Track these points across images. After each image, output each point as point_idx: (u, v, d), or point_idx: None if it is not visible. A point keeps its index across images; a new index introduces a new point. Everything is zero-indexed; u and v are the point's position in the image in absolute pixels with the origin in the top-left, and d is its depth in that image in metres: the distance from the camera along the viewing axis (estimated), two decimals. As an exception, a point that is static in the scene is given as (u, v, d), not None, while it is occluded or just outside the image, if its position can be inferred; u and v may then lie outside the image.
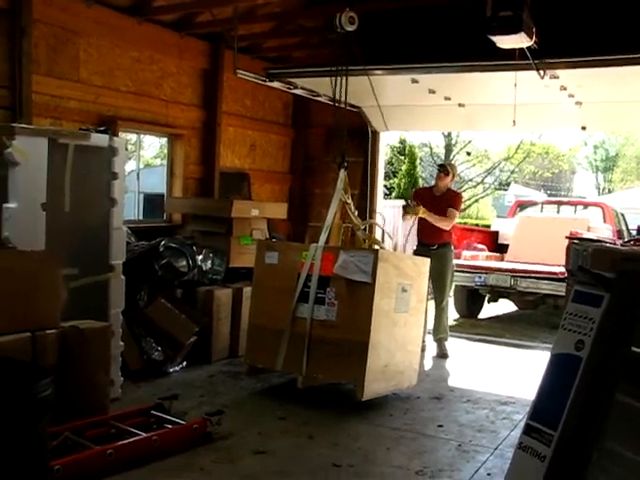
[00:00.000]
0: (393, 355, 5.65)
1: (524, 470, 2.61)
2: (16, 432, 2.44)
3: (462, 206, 8.45)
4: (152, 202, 9.08)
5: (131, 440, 4.26)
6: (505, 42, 5.19)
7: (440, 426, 5.28)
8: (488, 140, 29.14)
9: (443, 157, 26.73)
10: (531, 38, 5.11)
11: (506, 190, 33.64)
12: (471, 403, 5.95)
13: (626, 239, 3.84)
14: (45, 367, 3.69)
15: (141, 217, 8.26)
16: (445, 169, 7.87)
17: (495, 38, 5.11)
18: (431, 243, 7.69)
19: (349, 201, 6.33)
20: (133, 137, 7.90)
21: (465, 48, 6.44)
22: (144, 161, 9.11)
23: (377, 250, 5.57)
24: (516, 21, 4.86)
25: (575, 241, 3.14)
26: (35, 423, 2.52)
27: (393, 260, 5.70)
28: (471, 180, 26.01)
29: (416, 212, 7.47)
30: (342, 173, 6.19)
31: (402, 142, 23.16)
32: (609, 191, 40.41)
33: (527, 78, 6.31)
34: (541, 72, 5.98)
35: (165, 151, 10.34)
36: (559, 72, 6.20)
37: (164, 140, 8.45)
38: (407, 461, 4.53)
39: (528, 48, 5.47)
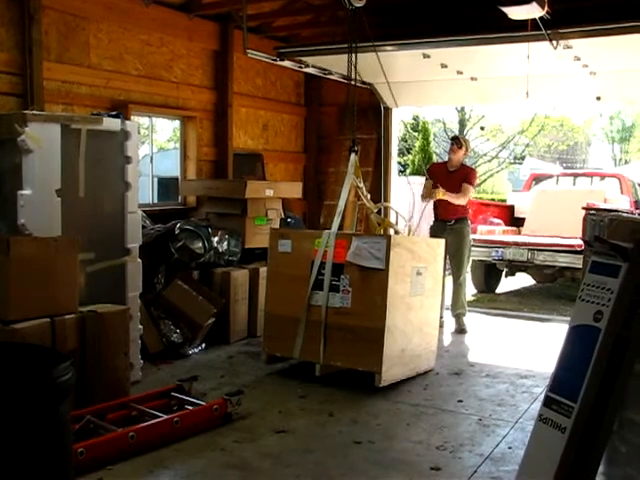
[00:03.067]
0: (410, 339, 5.66)
1: (545, 442, 2.60)
2: (37, 416, 2.46)
3: (477, 181, 8.39)
4: (166, 185, 9.07)
5: (152, 422, 4.30)
6: (516, 13, 5.12)
7: (460, 401, 5.29)
8: (502, 114, 28.78)
9: (457, 132, 26.56)
10: (543, 8, 5.04)
11: (521, 164, 33.34)
12: (490, 377, 5.95)
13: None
14: (64, 352, 3.72)
15: (155, 201, 8.25)
16: (458, 141, 7.83)
17: (506, 9, 5.05)
18: (447, 219, 7.68)
19: (361, 185, 6.31)
20: (146, 121, 7.85)
21: (476, 21, 6.37)
22: (157, 145, 9.05)
23: (389, 236, 5.53)
24: (527, -9, 4.79)
25: (591, 212, 3.10)
26: (56, 407, 2.54)
27: (406, 244, 5.67)
28: (485, 155, 25.76)
29: (436, 195, 7.45)
30: (353, 157, 6.17)
31: (415, 118, 23.02)
32: (626, 162, 39.94)
33: (540, 49, 6.22)
34: (554, 42, 5.89)
35: (178, 134, 10.35)
36: (572, 42, 6.10)
37: (177, 123, 8.44)
38: (427, 436, 4.54)
39: (540, 18, 5.39)
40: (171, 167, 9.49)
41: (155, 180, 8.68)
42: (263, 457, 4.15)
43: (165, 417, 4.36)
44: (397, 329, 5.45)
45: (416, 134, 21.67)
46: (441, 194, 7.44)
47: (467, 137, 17.32)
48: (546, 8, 5.09)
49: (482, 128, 27.16)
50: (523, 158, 31.53)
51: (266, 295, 6.08)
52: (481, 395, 5.46)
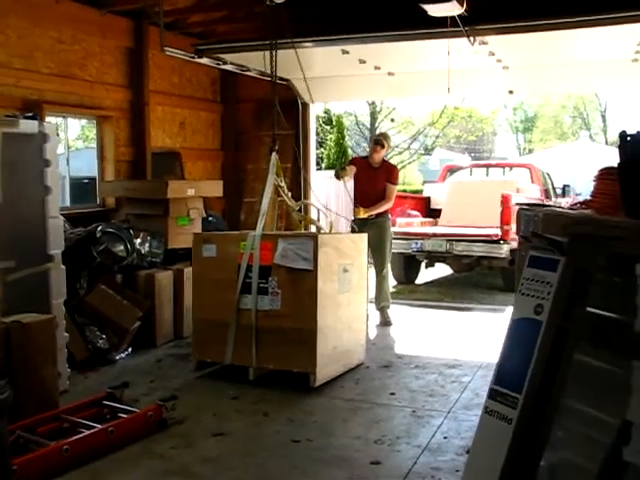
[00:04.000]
0: (340, 336, 5.70)
1: (492, 433, 2.66)
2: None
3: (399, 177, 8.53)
4: (80, 187, 8.83)
5: (86, 433, 4.17)
6: (437, 10, 5.22)
7: (392, 394, 5.37)
8: (412, 106, 29.36)
9: (368, 125, 26.90)
10: (462, 5, 5.15)
11: (431, 155, 34.05)
12: (420, 369, 6.05)
13: (573, 202, 3.92)
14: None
15: (69, 203, 8.00)
16: (381, 142, 7.88)
17: (427, 7, 5.14)
18: (369, 214, 7.75)
19: (282, 184, 6.30)
20: (59, 121, 7.60)
21: (396, 17, 6.45)
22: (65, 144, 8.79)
23: (316, 236, 5.51)
24: (448, -11, 4.88)
25: (524, 207, 3.19)
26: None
27: (332, 242, 5.69)
28: (397, 147, 26.20)
29: (358, 214, 7.58)
30: (274, 157, 6.14)
31: (327, 112, 23.13)
32: (529, 151, 41.42)
33: (457, 45, 6.37)
34: (471, 39, 6.04)
35: (87, 133, 10.02)
36: (488, 38, 6.28)
37: (84, 122, 8.22)
38: (364, 431, 4.59)
39: (459, 15, 5.51)
40: (84, 167, 9.24)
41: (69, 182, 8.43)
42: (203, 462, 4.10)
43: (99, 427, 4.24)
44: (328, 328, 5.48)
45: (329, 128, 21.79)
46: (363, 212, 7.55)
47: (380, 130, 17.51)
48: (465, 6, 5.20)
49: (392, 120, 27.64)
50: (433, 149, 32.21)
51: (193, 301, 5.99)
52: (412, 387, 5.56)
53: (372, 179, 7.61)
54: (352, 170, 7.65)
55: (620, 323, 2.65)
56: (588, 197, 3.17)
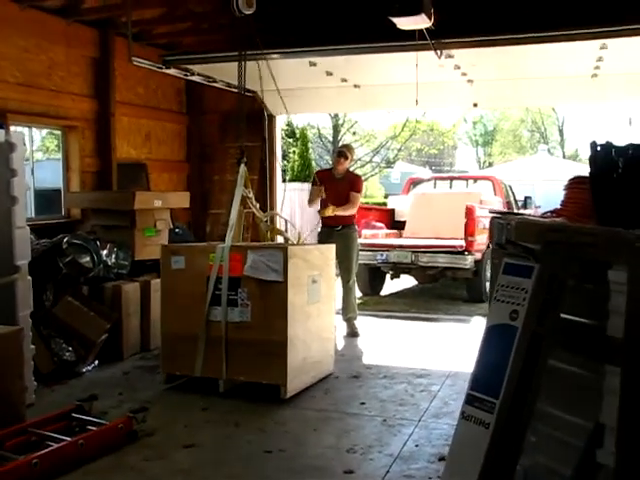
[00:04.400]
0: (310, 347, 5.71)
1: (469, 438, 2.70)
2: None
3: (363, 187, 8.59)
4: (44, 197, 8.72)
5: (56, 446, 4.10)
6: (405, 23, 5.28)
7: (363, 403, 5.39)
8: (374, 120, 29.60)
9: (331, 138, 27.01)
10: (430, 19, 5.23)
11: (392, 168, 34.31)
12: (388, 379, 6.09)
13: (543, 211, 3.99)
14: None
15: (33, 215, 7.90)
16: (344, 154, 7.93)
17: (396, 20, 5.20)
18: (335, 224, 7.80)
19: (250, 195, 6.28)
20: (24, 131, 7.50)
21: (364, 29, 6.51)
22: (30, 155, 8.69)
23: (285, 247, 5.49)
24: (417, 3, 4.95)
25: (496, 215, 3.25)
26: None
27: (301, 254, 5.69)
28: (359, 160, 26.35)
29: (325, 213, 7.60)
30: (242, 168, 6.11)
31: (289, 124, 23.19)
32: (489, 164, 42.05)
33: (424, 58, 6.46)
34: (438, 52, 6.13)
35: (47, 144, 9.93)
36: (454, 51, 6.38)
37: (44, 132, 8.14)
38: (336, 440, 4.60)
39: (426, 29, 5.59)
40: (47, 178, 9.12)
41: (33, 192, 8.31)
42: (175, 474, 4.06)
43: (69, 440, 4.18)
44: (298, 339, 5.48)
45: (291, 140, 21.85)
46: (331, 211, 7.60)
47: (345, 143, 17.64)
48: (432, 19, 5.28)
49: (354, 133, 27.81)
50: (394, 162, 32.45)
51: (162, 313, 5.89)
52: (382, 396, 5.58)
53: (337, 190, 7.67)
54: (320, 191, 7.66)
55: (593, 328, 2.71)
56: (558, 206, 3.24)
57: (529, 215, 3.90)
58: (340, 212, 7.63)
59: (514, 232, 2.97)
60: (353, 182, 7.91)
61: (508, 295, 2.75)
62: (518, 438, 2.68)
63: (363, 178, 25.14)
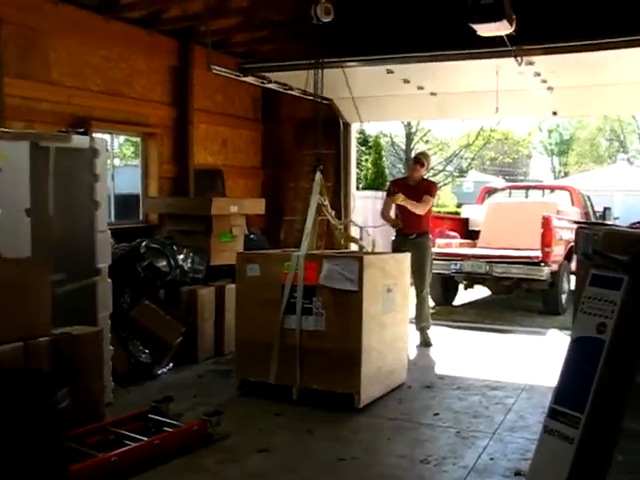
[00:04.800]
0: (384, 357, 5.67)
1: (552, 453, 2.63)
2: (43, 443, 2.38)
3: (437, 193, 8.50)
4: (123, 203, 8.95)
5: (133, 445, 4.19)
6: (486, 30, 5.21)
7: (436, 414, 5.31)
8: (447, 128, 29.35)
9: (404, 146, 26.92)
10: (512, 25, 5.14)
11: (465, 177, 33.95)
12: (462, 390, 5.99)
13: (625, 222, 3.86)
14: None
15: (113, 219, 8.12)
16: (420, 161, 7.84)
17: (476, 26, 5.13)
18: (409, 233, 7.73)
19: (326, 202, 6.29)
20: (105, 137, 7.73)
21: (442, 36, 6.46)
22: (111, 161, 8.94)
23: (361, 257, 5.45)
24: (498, 9, 4.88)
25: (583, 225, 3.16)
26: (58, 434, 2.46)
27: (377, 263, 5.66)
28: (432, 168, 26.18)
29: (395, 200, 7.50)
30: (318, 176, 6.11)
31: (362, 133, 23.21)
32: (565, 174, 41.12)
33: (502, 65, 6.37)
34: (519, 59, 6.03)
35: (124, 151, 10.13)
36: (535, 58, 6.26)
37: (122, 139, 8.36)
38: (410, 450, 4.54)
39: (507, 35, 5.50)
40: (124, 184, 9.36)
41: (113, 198, 8.55)
42: (249, 477, 4.09)
43: (146, 440, 4.26)
44: (373, 349, 5.44)
45: (364, 149, 21.86)
46: (401, 199, 7.49)
47: (425, 151, 17.52)
48: (514, 26, 5.19)
49: (427, 142, 27.67)
50: (467, 171, 32.12)
51: (236, 320, 5.93)
52: (455, 408, 5.50)
53: (411, 196, 7.59)
54: (399, 197, 7.59)
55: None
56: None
57: (616, 225, 3.77)
58: (409, 205, 7.52)
59: (601, 243, 2.88)
60: (428, 188, 7.83)
61: (595, 307, 2.67)
62: (604, 456, 2.59)
63: (436, 187, 24.99)
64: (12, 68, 6.25)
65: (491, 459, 4.41)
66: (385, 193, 8.42)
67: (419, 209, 7.61)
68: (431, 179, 10.63)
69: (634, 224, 3.27)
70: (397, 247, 7.62)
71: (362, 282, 5.26)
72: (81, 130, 5.44)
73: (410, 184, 7.86)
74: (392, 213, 7.86)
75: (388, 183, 10.82)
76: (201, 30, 7.65)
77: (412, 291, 7.93)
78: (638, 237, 2.80)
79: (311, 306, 5.44)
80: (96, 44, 7.13)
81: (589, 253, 2.82)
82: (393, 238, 7.97)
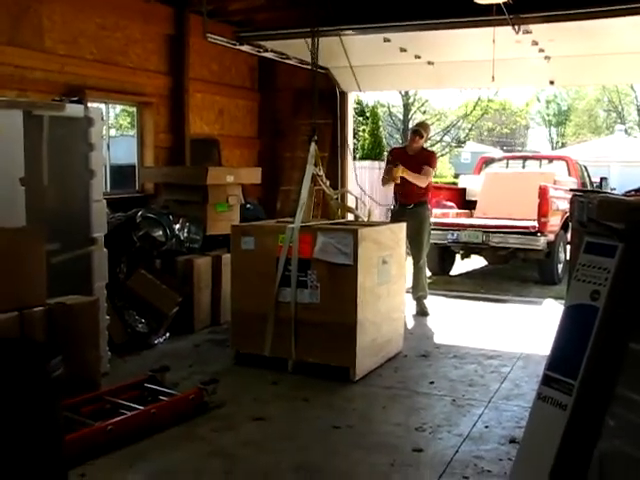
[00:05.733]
0: (379, 328, 5.67)
1: (545, 419, 2.64)
2: (37, 412, 2.38)
3: (437, 163, 8.45)
4: (118, 172, 8.91)
5: (130, 414, 4.21)
6: (483, -2, 5.15)
7: (432, 383, 5.35)
8: (445, 98, 29.20)
9: (401, 117, 26.80)
10: (509, -7, 5.09)
11: (462, 147, 33.83)
12: (458, 359, 6.02)
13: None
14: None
15: (109, 189, 8.09)
16: (419, 133, 7.76)
17: (474, -6, 5.07)
18: (408, 202, 7.70)
19: (321, 173, 6.25)
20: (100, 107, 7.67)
21: (440, 4, 6.38)
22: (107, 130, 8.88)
23: (356, 230, 5.36)
24: (495, -25, 4.82)
25: (578, 193, 3.15)
26: (52, 403, 2.47)
27: (372, 235, 5.60)
28: (430, 139, 26.07)
29: (395, 172, 7.45)
30: (313, 147, 6.05)
31: (359, 103, 23.07)
32: (562, 145, 40.97)
33: (499, 33, 6.30)
34: (516, 27, 5.97)
35: (120, 121, 10.06)
36: (532, 27, 6.19)
37: (118, 109, 8.29)
38: (405, 418, 4.58)
39: (504, 3, 5.44)
40: (120, 154, 9.32)
41: (108, 167, 8.51)
42: (244, 445, 4.12)
43: (142, 408, 4.28)
44: (368, 321, 5.44)
45: (361, 119, 21.74)
46: (400, 171, 7.44)
47: (425, 121, 17.40)
48: (511, -7, 5.14)
49: (424, 112, 27.53)
50: (465, 142, 32.00)
51: (232, 292, 5.92)
52: (451, 376, 5.53)
53: (411, 167, 7.53)
54: (399, 170, 7.51)
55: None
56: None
57: (612, 193, 3.76)
58: (409, 176, 7.48)
59: (596, 210, 2.87)
60: (427, 158, 7.78)
61: (589, 275, 2.67)
62: (596, 421, 2.61)
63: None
64: (4, 35, 6.17)
65: (486, 427, 4.45)
66: (385, 162, 8.39)
67: (420, 181, 7.57)
68: (430, 149, 10.55)
69: (629, 192, 3.26)
70: (396, 217, 7.59)
71: (357, 256, 5.23)
72: (75, 99, 5.39)
73: (409, 153, 7.82)
74: (392, 185, 7.80)
75: (386, 152, 10.78)
76: (197, -2, 7.55)
77: (409, 261, 7.96)
78: (633, 205, 2.79)
79: (306, 279, 5.42)
80: (91, 12, 7.03)
81: (584, 221, 2.81)
82: (391, 207, 7.95)
